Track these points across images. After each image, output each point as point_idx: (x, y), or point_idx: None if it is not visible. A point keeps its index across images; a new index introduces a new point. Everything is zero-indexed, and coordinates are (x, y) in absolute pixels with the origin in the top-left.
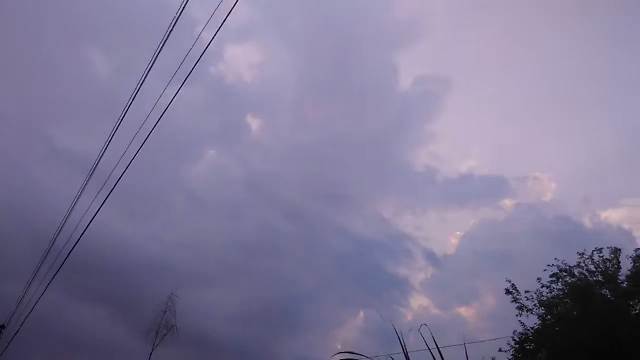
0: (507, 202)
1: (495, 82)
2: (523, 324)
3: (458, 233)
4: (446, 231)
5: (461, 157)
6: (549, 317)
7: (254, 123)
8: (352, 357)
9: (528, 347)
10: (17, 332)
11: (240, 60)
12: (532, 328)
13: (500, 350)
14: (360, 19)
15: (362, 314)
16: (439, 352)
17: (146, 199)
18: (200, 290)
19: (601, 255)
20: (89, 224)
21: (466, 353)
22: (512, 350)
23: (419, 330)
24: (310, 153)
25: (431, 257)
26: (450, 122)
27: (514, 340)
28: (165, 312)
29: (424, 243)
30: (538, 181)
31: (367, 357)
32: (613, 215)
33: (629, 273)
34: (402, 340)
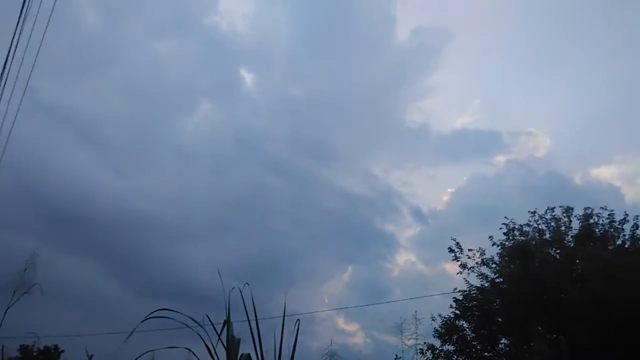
0: (500, 158)
1: (494, 35)
2: (467, 281)
3: (449, 190)
4: (436, 187)
5: (456, 112)
6: (496, 275)
7: (248, 77)
8: (171, 314)
9: (467, 305)
10: None
11: (234, 10)
12: (474, 286)
13: (451, 306)
14: None
15: (349, 269)
16: (255, 314)
17: (134, 153)
18: (187, 244)
19: (553, 213)
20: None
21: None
22: (455, 306)
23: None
24: (301, 108)
25: (419, 214)
26: (447, 76)
27: (454, 298)
28: (25, 269)
29: (412, 199)
30: (532, 136)
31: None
32: (604, 173)
33: (576, 232)
34: (228, 302)
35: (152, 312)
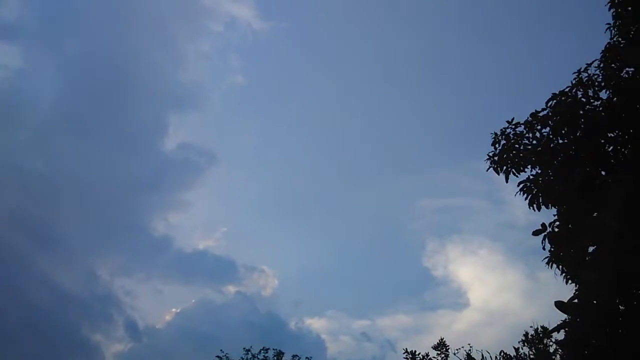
0: (231, 288)
1: (253, 171)
2: None
3: (174, 309)
4: (161, 304)
5: (201, 233)
6: None
7: None
8: None
9: None
10: None
11: None
12: None
13: None
14: (145, 90)
15: None
16: None
17: None
18: None
19: (266, 354)
20: None
21: None
22: None
23: None
24: (34, 182)
25: (134, 328)
26: (203, 196)
27: None
28: None
29: (131, 312)
30: (263, 275)
31: None
32: (315, 324)
33: None
34: None
35: None
